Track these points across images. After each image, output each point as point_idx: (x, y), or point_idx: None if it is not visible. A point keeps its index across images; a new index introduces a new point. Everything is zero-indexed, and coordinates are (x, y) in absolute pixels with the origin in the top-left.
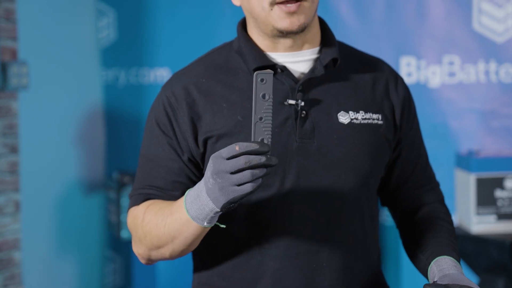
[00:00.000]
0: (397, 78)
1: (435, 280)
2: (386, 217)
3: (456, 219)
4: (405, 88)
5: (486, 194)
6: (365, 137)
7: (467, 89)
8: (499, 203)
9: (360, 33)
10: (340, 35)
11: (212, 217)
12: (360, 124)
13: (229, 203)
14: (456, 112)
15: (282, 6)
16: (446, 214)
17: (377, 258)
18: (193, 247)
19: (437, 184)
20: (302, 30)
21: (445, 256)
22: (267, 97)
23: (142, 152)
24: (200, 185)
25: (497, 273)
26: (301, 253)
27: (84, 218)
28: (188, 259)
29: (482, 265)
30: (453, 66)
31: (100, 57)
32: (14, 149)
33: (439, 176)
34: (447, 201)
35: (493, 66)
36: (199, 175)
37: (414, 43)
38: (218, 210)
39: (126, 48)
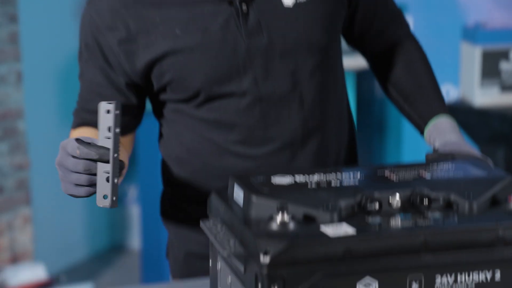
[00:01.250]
0: None
1: (436, 147)
2: None
3: (459, 92)
4: None
5: (491, 66)
6: (314, 11)
7: None
8: (503, 75)
9: None
10: None
11: None
12: (306, 1)
13: (70, 195)
14: None
15: None
16: (417, 49)
17: (350, 129)
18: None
19: (400, 13)
20: None
21: (441, 118)
22: (111, 131)
23: (79, 71)
24: None
25: (497, 143)
26: (276, 149)
27: None
28: None
29: (484, 136)
30: None
31: None
32: (13, 19)
33: (445, 50)
34: (451, 75)
35: None
36: (144, 94)
37: None
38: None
39: None
